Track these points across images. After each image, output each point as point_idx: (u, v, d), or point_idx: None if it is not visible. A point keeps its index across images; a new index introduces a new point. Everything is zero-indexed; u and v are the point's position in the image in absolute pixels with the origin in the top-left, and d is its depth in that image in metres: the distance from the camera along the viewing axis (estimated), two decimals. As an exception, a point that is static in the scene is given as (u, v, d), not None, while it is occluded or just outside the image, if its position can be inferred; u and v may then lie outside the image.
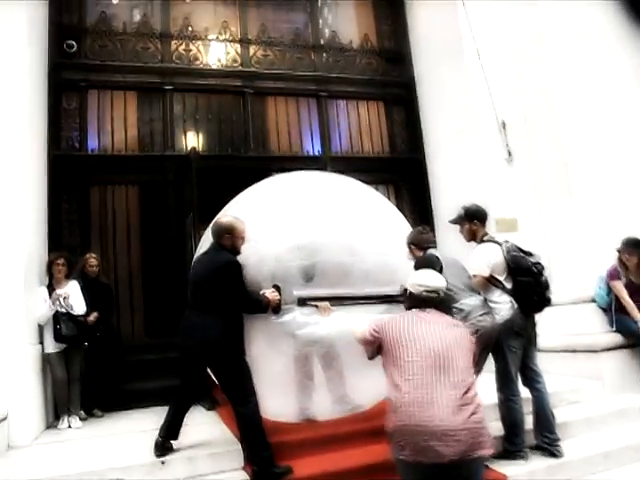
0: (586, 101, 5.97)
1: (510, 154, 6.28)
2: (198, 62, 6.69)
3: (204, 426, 4.52)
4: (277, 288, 3.76)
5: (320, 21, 7.45)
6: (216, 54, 6.78)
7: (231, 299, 3.60)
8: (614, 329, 5.07)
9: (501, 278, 3.92)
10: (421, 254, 3.89)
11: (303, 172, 4.80)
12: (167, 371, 5.72)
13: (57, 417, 5.00)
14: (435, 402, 2.43)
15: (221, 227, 3.78)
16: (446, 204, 6.93)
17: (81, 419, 5.00)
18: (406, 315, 2.82)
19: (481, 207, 4.19)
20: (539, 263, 3.94)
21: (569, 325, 5.33)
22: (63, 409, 4.96)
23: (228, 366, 3.59)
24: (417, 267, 3.56)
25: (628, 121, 6.01)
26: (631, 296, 4.97)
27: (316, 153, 7.02)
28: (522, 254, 3.97)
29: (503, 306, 3.85)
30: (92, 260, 5.48)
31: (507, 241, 4.05)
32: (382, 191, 7.21)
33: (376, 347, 2.83)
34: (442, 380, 2.50)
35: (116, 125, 6.30)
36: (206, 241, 4.23)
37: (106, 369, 5.41)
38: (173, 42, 6.62)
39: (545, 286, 3.90)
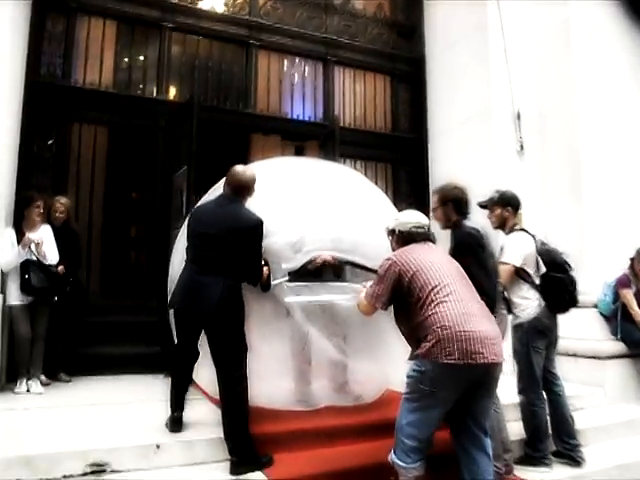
0: (606, 104, 5.84)
1: (522, 147, 6.06)
2: (203, 3, 6.05)
3: (192, 403, 4.04)
4: (265, 262, 3.43)
5: (334, -20, 6.92)
6: (223, -3, 6.16)
7: (246, 262, 3.20)
8: (618, 337, 4.97)
9: (530, 271, 3.67)
10: (456, 218, 3.33)
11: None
12: (133, 336, 5.28)
13: (12, 379, 4.35)
14: (472, 313, 2.63)
15: (250, 179, 3.32)
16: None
17: (42, 384, 4.40)
18: (410, 247, 2.87)
19: (516, 194, 3.91)
20: (568, 261, 3.72)
21: (570, 329, 5.18)
22: (22, 371, 4.33)
23: (230, 335, 3.14)
24: (466, 241, 3.18)
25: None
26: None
27: (318, 119, 6.55)
28: (553, 248, 3.74)
29: (531, 303, 3.62)
30: (58, 205, 4.75)
31: (535, 235, 3.81)
32: (380, 169, 6.96)
33: (392, 285, 2.76)
34: (469, 295, 2.73)
35: (106, 58, 5.59)
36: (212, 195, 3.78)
37: (73, 329, 4.80)
38: (179, -24, 5.94)
39: (575, 285, 3.69)
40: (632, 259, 4.99)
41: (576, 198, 5.74)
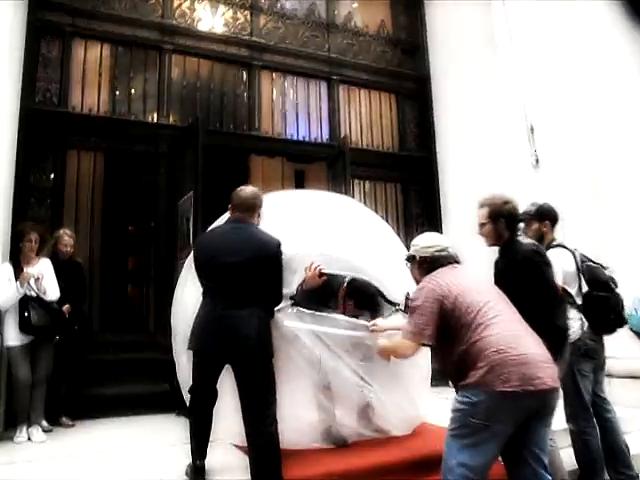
0: (620, 110, 5.68)
1: (537, 161, 5.85)
2: (202, 24, 5.87)
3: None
4: None
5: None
6: (223, 18, 5.97)
7: (270, 290, 2.97)
8: (658, 355, 4.69)
9: (572, 291, 3.41)
10: (508, 235, 3.02)
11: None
12: (140, 374, 4.97)
13: (11, 426, 3.99)
14: (522, 335, 2.42)
15: (259, 199, 3.13)
16: (457, 208, 6.48)
17: (44, 430, 4.04)
18: (440, 272, 2.63)
19: (554, 207, 3.67)
20: (614, 278, 3.46)
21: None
22: (22, 417, 3.98)
23: (265, 372, 2.88)
24: (534, 260, 2.92)
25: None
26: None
27: (324, 140, 6.34)
28: (595, 265, 3.49)
29: (573, 323, 3.31)
30: (66, 238, 4.52)
31: (576, 249, 3.56)
32: (390, 189, 6.73)
33: (436, 313, 2.48)
34: (514, 316, 2.51)
35: (104, 82, 5.37)
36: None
37: (76, 369, 4.47)
38: (176, -3, 5.77)
39: (622, 304, 3.43)
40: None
41: (595, 209, 5.53)
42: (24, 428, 3.95)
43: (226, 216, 3.34)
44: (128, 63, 5.48)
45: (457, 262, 2.74)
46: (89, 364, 4.71)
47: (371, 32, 6.85)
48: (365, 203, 5.91)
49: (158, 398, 4.91)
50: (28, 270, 3.97)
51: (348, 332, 3.47)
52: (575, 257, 3.50)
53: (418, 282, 2.78)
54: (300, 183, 9.11)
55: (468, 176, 6.35)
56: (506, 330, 2.39)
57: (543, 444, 2.44)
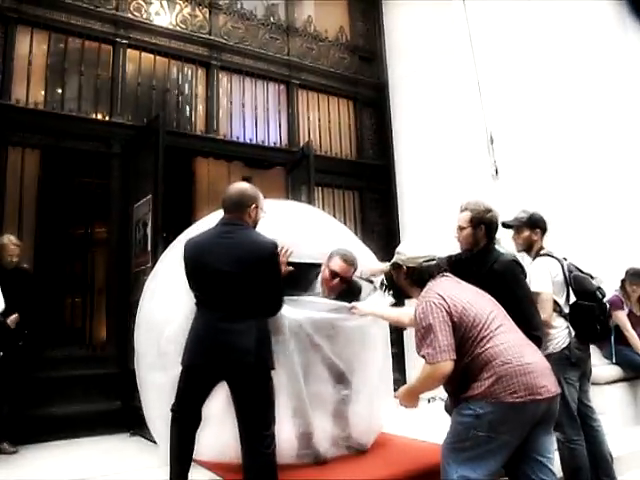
0: (583, 117, 5.79)
1: (497, 172, 5.95)
2: (159, 19, 5.56)
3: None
4: None
5: (295, 1, 6.66)
6: (182, 15, 5.68)
7: (269, 296, 2.74)
8: (614, 361, 4.84)
9: (560, 300, 3.44)
10: (485, 242, 3.07)
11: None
12: (89, 391, 4.62)
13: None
14: (524, 344, 2.40)
15: (246, 195, 2.82)
16: (415, 217, 6.51)
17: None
18: (435, 284, 2.51)
19: (543, 216, 3.70)
20: (601, 287, 3.53)
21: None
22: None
23: (264, 387, 2.66)
24: (514, 271, 2.94)
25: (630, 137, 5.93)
26: (633, 328, 4.80)
27: (283, 145, 6.18)
28: (583, 274, 3.54)
29: (559, 332, 3.35)
30: (12, 247, 4.15)
31: (565, 258, 3.60)
32: (348, 197, 6.65)
33: (451, 326, 2.34)
34: (513, 326, 2.47)
35: (52, 75, 4.95)
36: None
37: (19, 388, 4.06)
38: (133, -10, 5.43)
39: (608, 314, 3.50)
40: (623, 280, 4.92)
41: (556, 221, 5.65)
42: (-40, 458, 3.53)
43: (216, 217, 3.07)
44: (79, 56, 5.08)
45: (445, 270, 2.66)
46: (34, 382, 4.31)
47: (331, 37, 6.77)
48: (324, 210, 5.79)
49: (110, 416, 4.58)
50: None
51: (331, 315, 3.34)
52: (563, 266, 3.53)
53: (404, 290, 2.71)
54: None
55: (426, 185, 6.38)
56: (510, 340, 2.35)
57: (547, 452, 2.40)
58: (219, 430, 3.14)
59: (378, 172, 6.77)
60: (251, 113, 6.04)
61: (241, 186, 2.91)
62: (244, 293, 2.63)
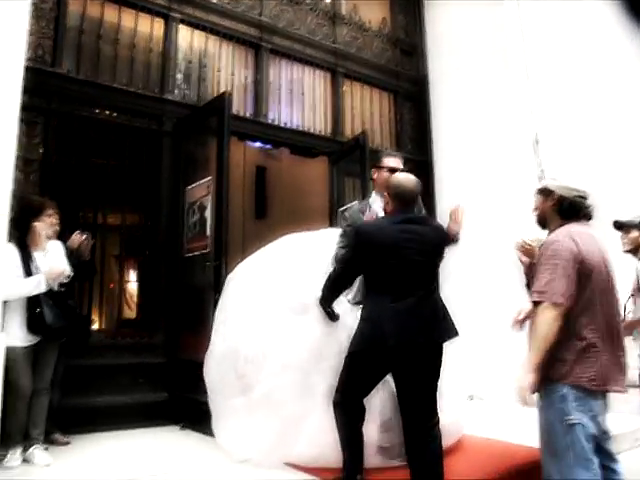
0: (636, 119, 5.78)
1: (543, 172, 5.86)
2: (211, -4, 5.32)
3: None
4: None
5: (341, -12, 6.48)
6: (232, -7, 5.46)
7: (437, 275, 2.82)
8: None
9: None
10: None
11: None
12: (135, 381, 4.37)
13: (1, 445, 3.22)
14: (612, 331, 2.30)
15: (418, 186, 2.82)
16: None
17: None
18: (575, 234, 2.33)
19: None
20: None
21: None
22: (16, 436, 3.22)
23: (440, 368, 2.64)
24: None
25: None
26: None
27: (327, 134, 5.99)
28: None
29: None
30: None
31: None
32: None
33: (575, 274, 2.26)
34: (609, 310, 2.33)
35: (104, 45, 4.67)
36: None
37: (70, 375, 3.77)
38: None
39: None
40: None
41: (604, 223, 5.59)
42: (18, 450, 3.21)
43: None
44: (133, 27, 4.81)
45: (591, 218, 2.50)
46: (81, 370, 4.03)
47: (374, 28, 6.61)
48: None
49: (156, 408, 4.33)
50: (54, 267, 3.31)
51: None
52: None
53: (542, 216, 2.54)
54: (261, 181, 8.68)
55: (466, 183, 6.27)
56: (598, 323, 2.28)
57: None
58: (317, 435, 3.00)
59: (417, 167, 6.57)
60: (299, 99, 5.85)
61: (415, 179, 2.83)
62: (433, 276, 2.72)
